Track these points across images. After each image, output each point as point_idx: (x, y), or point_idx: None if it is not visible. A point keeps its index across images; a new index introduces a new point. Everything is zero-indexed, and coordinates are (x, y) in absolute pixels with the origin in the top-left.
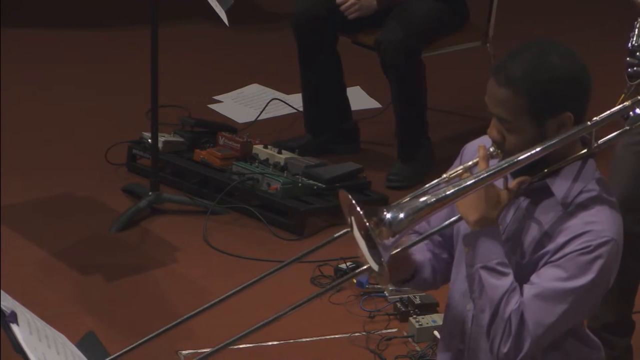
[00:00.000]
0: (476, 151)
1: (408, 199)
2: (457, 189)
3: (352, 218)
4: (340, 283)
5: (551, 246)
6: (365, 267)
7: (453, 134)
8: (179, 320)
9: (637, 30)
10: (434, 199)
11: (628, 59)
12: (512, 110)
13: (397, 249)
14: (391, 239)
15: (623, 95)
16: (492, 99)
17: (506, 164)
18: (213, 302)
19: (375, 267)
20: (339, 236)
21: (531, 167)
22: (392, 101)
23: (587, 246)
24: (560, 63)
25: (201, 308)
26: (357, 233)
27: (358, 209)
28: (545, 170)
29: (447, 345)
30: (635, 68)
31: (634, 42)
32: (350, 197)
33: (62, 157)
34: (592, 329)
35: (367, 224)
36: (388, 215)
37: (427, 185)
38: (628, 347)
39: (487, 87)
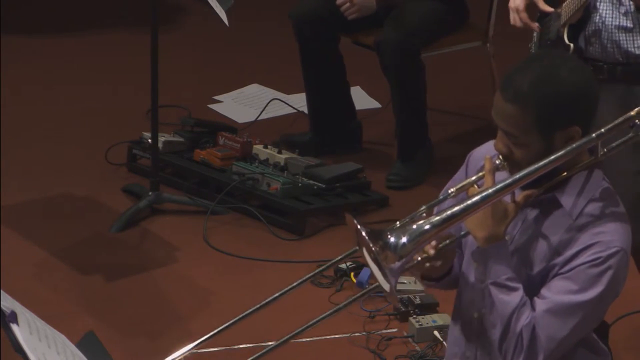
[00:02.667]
0: (482, 159)
1: (412, 216)
2: (463, 207)
3: (360, 241)
4: (361, 297)
5: (560, 258)
6: (376, 284)
7: (453, 134)
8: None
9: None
10: (440, 220)
11: None
12: (520, 125)
13: (445, 241)
14: (397, 263)
15: None
16: (499, 114)
17: (512, 180)
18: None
19: (387, 287)
20: (346, 255)
21: (538, 179)
22: (392, 101)
23: (596, 258)
24: (569, 77)
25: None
26: (366, 255)
27: (364, 234)
28: (557, 180)
29: (454, 353)
30: None
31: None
32: (355, 221)
33: (62, 157)
34: None
35: (374, 249)
36: (392, 240)
37: (433, 202)
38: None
39: (494, 101)
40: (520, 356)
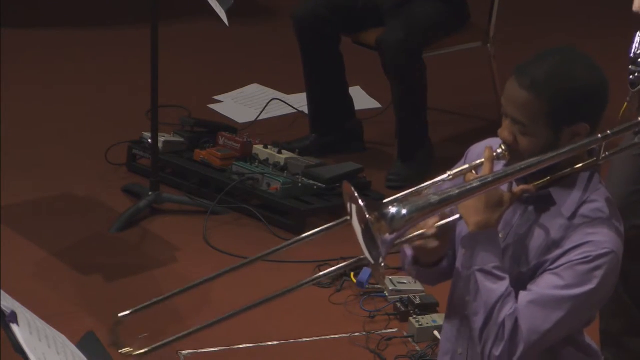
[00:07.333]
0: (481, 154)
1: (408, 193)
2: (462, 191)
3: (353, 209)
4: (335, 271)
5: (551, 255)
6: (361, 257)
7: (453, 134)
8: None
9: (638, 38)
10: (438, 199)
11: (630, 67)
12: (530, 115)
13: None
14: (389, 236)
15: (626, 103)
16: (511, 101)
17: (513, 170)
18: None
19: (372, 260)
20: (336, 224)
21: (537, 173)
22: (393, 101)
23: (586, 256)
24: (585, 74)
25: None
26: (356, 224)
27: (360, 201)
28: (549, 178)
29: (447, 351)
30: (636, 75)
31: (636, 50)
32: (353, 188)
33: (62, 157)
34: (611, 335)
35: (368, 217)
36: (391, 211)
37: (429, 182)
38: None
39: (506, 87)
40: (500, 346)
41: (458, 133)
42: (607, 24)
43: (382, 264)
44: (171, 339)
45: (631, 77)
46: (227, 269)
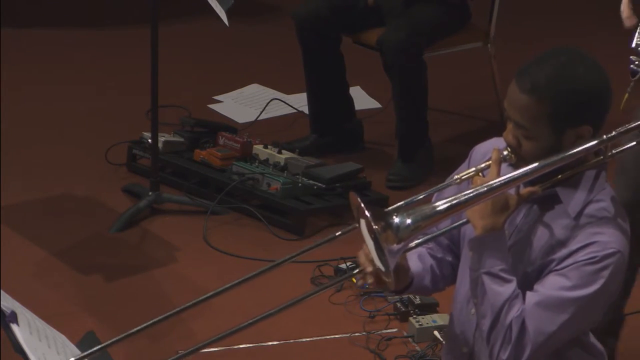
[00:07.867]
0: (485, 154)
1: (418, 198)
2: (469, 197)
3: (361, 219)
4: (342, 280)
5: (557, 255)
6: (370, 267)
7: (453, 134)
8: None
9: (637, 31)
10: (445, 207)
11: (631, 57)
12: (533, 118)
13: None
14: (396, 246)
15: (627, 94)
16: (513, 105)
17: (519, 174)
18: (202, 297)
19: (382, 267)
20: (342, 234)
21: (544, 174)
22: (394, 101)
23: (593, 257)
24: (587, 75)
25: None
26: (365, 233)
27: (367, 212)
28: (558, 177)
29: (452, 349)
30: (637, 63)
31: (637, 41)
32: (359, 199)
33: (62, 157)
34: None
35: (375, 227)
36: (396, 221)
37: (437, 186)
38: (616, 345)
39: (507, 91)
40: (508, 348)
41: (458, 133)
42: (607, 24)
43: (392, 273)
44: (204, 342)
45: (632, 66)
46: (252, 275)
